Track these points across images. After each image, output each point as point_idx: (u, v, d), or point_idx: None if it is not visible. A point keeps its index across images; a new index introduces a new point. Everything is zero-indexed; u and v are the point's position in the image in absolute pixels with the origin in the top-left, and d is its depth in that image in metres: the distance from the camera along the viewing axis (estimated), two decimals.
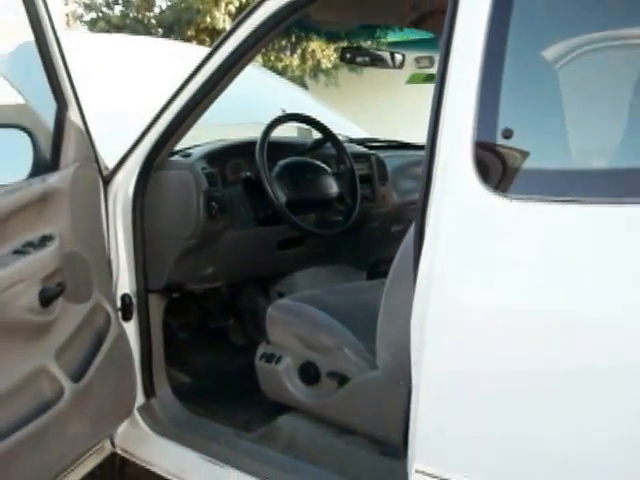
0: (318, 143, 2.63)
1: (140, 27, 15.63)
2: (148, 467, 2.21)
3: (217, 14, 14.15)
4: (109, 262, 2.13)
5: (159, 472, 2.17)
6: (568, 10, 1.31)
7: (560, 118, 1.31)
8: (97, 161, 2.07)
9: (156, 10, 15.73)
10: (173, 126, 2.07)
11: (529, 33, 1.33)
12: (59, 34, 1.81)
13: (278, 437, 2.07)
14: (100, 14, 16.07)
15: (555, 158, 1.29)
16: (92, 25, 16.43)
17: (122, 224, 2.16)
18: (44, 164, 1.90)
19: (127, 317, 2.17)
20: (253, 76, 3.85)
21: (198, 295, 2.64)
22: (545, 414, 1.22)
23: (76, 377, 1.75)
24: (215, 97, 2.06)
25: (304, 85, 14.11)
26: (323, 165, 2.49)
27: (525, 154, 1.29)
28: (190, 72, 2.02)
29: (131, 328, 2.18)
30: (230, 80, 2.03)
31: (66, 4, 19.25)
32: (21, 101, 2.53)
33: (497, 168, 1.29)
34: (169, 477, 2.13)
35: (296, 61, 12.26)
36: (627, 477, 1.15)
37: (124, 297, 2.17)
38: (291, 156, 2.48)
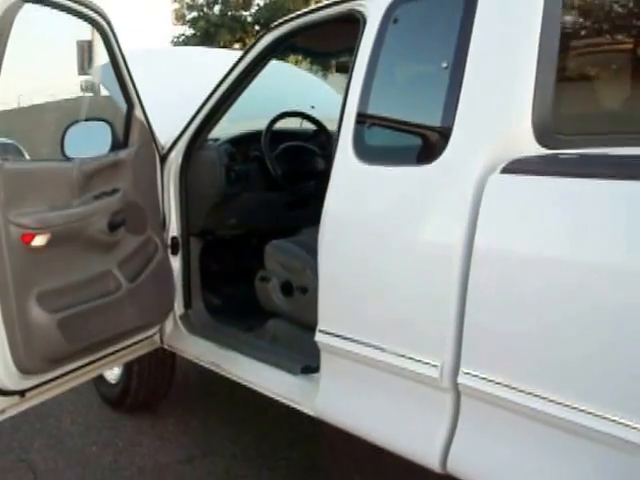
0: (315, 132, 3.54)
1: (237, 25, 16.94)
2: (184, 355, 3.20)
3: None
4: (163, 212, 3.10)
5: (191, 358, 3.15)
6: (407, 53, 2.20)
7: (391, 117, 2.21)
8: (155, 144, 3.04)
9: (252, 9, 17.00)
10: (206, 121, 3.04)
11: (389, 64, 2.20)
12: (127, 62, 2.79)
13: (267, 334, 3.01)
14: (201, 13, 17.51)
15: (386, 140, 2.18)
16: (193, 23, 17.88)
17: (173, 188, 3.14)
18: (118, 144, 2.88)
19: (175, 252, 3.16)
20: (295, 79, 4.81)
21: (232, 243, 3.58)
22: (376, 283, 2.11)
23: (131, 280, 2.73)
24: (233, 102, 3.01)
25: None
26: (314, 148, 3.40)
27: (373, 137, 2.18)
28: (216, 84, 2.96)
29: (177, 260, 3.17)
30: (242, 90, 2.96)
31: (174, 1, 20.76)
32: (110, 101, 3.54)
33: (361, 146, 2.18)
34: (196, 360, 3.11)
35: None
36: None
37: (173, 238, 3.15)
38: (293, 142, 3.40)
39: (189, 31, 17.76)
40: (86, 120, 3.12)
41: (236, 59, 2.91)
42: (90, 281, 2.56)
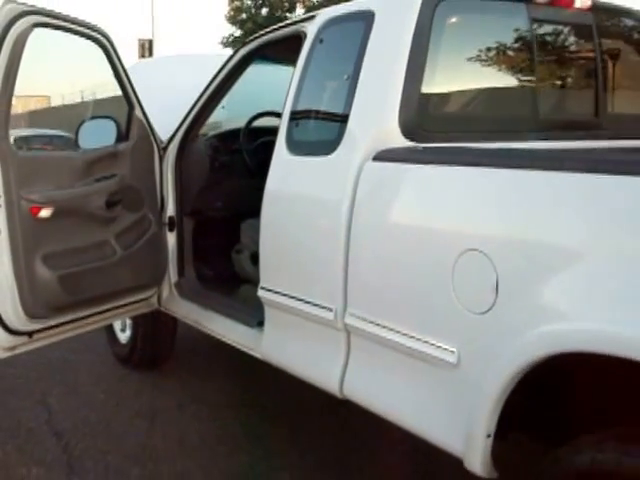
0: None
1: None
2: (175, 315, 3.80)
3: None
4: (162, 195, 3.67)
5: (180, 317, 3.75)
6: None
7: (308, 117, 2.77)
8: (154, 138, 3.63)
9: (297, 12, 17.61)
10: (195, 119, 3.62)
11: (312, 75, 2.74)
12: (128, 72, 3.39)
13: (240, 296, 3.59)
14: (249, 15, 18.23)
15: (304, 136, 2.73)
16: (242, 25, 18.63)
17: (170, 174, 3.73)
18: (121, 138, 3.48)
19: (171, 229, 3.75)
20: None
21: (220, 221, 4.13)
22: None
23: (125, 248, 3.33)
24: (218, 102, 3.58)
25: None
26: None
27: (296, 134, 2.72)
28: (203, 88, 3.54)
29: (173, 236, 3.76)
30: (225, 93, 3.54)
31: (231, 2, 21.60)
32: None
33: (290, 140, 2.73)
34: (184, 319, 3.70)
35: None
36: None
37: (170, 217, 3.74)
38: (269, 137, 3.94)
39: (238, 32, 18.48)
40: (94, 118, 3.73)
41: (215, 72, 3.48)
42: (89, 248, 3.16)
